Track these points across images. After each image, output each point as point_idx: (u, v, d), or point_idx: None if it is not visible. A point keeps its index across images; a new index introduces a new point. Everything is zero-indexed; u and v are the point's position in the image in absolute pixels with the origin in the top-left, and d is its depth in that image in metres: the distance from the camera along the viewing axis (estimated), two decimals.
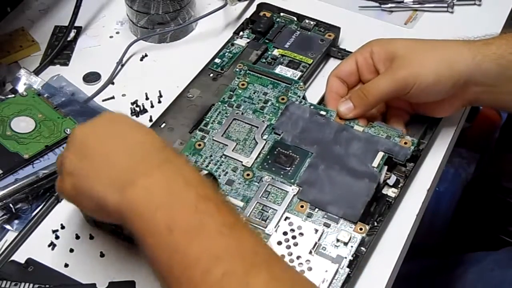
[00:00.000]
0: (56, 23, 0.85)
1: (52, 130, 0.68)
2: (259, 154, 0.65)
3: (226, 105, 0.69)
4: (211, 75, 0.74)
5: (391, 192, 0.63)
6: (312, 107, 0.67)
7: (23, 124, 0.68)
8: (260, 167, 0.64)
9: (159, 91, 0.76)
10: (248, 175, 0.63)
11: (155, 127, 0.70)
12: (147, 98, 0.76)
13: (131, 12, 0.81)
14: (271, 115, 0.68)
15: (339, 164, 0.63)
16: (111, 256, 0.62)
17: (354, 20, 0.84)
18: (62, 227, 0.64)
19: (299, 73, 0.74)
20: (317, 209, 0.60)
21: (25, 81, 0.76)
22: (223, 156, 0.65)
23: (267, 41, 0.77)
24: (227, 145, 0.66)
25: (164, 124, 0.70)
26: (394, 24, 0.83)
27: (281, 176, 0.63)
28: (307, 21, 0.79)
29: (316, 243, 0.58)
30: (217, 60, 0.76)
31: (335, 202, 0.60)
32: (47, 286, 0.58)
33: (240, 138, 0.66)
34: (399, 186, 0.64)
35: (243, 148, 0.65)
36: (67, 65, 0.80)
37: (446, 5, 0.85)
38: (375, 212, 0.61)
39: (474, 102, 0.68)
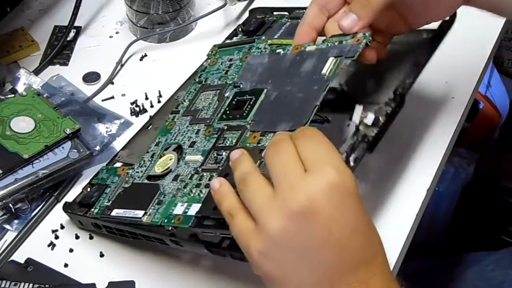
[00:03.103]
0: (56, 23, 0.85)
1: (52, 130, 0.68)
2: (220, 110, 0.62)
3: (196, 84, 0.68)
4: None
5: (369, 131, 0.57)
6: (270, 51, 0.64)
7: (22, 124, 0.68)
8: (219, 120, 0.61)
9: (159, 91, 0.76)
10: (209, 132, 0.61)
11: (141, 130, 0.70)
12: (146, 98, 0.76)
13: (131, 12, 0.81)
14: (234, 74, 0.66)
15: (291, 86, 0.58)
16: (111, 256, 0.62)
17: None
18: (62, 227, 0.64)
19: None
20: (267, 133, 0.55)
21: (25, 81, 0.76)
22: (189, 125, 0.64)
23: (257, 36, 0.77)
24: (192, 115, 0.64)
25: (150, 126, 0.70)
26: None
27: (237, 119, 0.60)
28: (297, 11, 0.79)
29: (261, 161, 0.51)
30: (205, 63, 0.75)
31: (285, 119, 0.55)
32: (46, 286, 0.58)
33: (205, 105, 0.65)
34: (380, 124, 0.58)
35: (207, 112, 0.63)
36: (66, 65, 0.80)
37: None
38: (351, 152, 0.55)
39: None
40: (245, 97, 0.61)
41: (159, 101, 0.75)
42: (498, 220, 1.19)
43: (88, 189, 0.64)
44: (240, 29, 0.78)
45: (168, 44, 0.83)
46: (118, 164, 0.67)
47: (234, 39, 0.77)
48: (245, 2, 0.86)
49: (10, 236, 0.64)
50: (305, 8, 0.75)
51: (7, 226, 0.64)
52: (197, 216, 0.52)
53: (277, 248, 0.44)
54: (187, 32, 0.84)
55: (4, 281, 0.58)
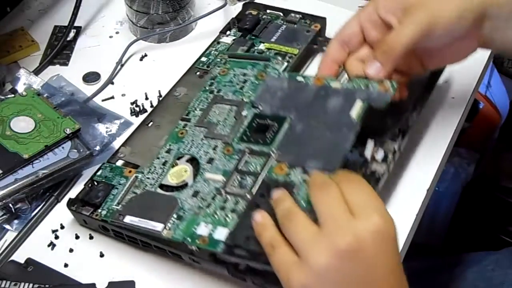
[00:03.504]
0: (56, 23, 0.85)
1: (52, 130, 0.68)
2: (238, 129, 0.63)
3: (207, 93, 0.68)
4: (198, 73, 0.74)
5: (379, 167, 0.60)
6: (289, 76, 0.65)
7: (22, 124, 0.68)
8: (239, 140, 0.62)
9: (159, 91, 0.76)
10: (228, 150, 0.62)
11: (142, 126, 0.70)
12: (146, 98, 0.76)
13: (131, 12, 0.81)
14: (250, 92, 0.66)
15: (317, 121, 0.60)
16: (111, 256, 0.62)
17: None
18: (62, 227, 0.64)
19: (286, 64, 0.73)
20: (296, 168, 0.57)
21: (25, 81, 0.76)
22: (204, 138, 0.64)
23: (253, 37, 0.77)
24: (207, 128, 0.65)
25: (151, 123, 0.70)
26: None
27: (260, 144, 0.61)
28: (292, 14, 0.79)
29: (294, 198, 0.54)
30: (203, 59, 0.76)
31: (313, 156, 0.57)
32: (46, 286, 0.58)
33: (220, 119, 0.65)
34: (388, 161, 0.61)
35: (223, 128, 0.64)
36: (66, 65, 0.80)
37: None
38: None
39: (486, 43, 0.63)
40: (266, 122, 0.62)
41: (159, 101, 0.75)
42: (498, 220, 1.19)
43: (90, 185, 0.64)
44: (234, 24, 0.79)
45: (168, 44, 0.83)
46: (120, 162, 0.66)
47: (229, 35, 0.78)
48: (243, 3, 0.86)
49: (10, 236, 0.64)
50: (300, 13, 0.77)
51: (7, 226, 0.64)
52: (228, 243, 0.54)
53: (320, 282, 0.47)
54: (187, 32, 0.84)
55: (4, 281, 0.58)
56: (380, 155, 0.61)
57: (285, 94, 0.64)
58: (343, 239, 0.47)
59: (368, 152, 0.60)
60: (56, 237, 0.64)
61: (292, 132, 0.60)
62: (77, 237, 0.64)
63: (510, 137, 1.27)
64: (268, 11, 0.80)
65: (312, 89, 0.62)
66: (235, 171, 0.60)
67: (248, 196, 0.57)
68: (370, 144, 0.60)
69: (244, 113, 0.64)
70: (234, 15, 0.80)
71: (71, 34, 0.83)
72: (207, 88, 0.69)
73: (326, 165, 0.56)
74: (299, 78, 0.64)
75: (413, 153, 0.68)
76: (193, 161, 0.63)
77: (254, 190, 0.57)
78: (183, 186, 0.61)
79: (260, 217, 0.52)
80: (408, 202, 0.65)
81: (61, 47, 0.81)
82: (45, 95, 0.73)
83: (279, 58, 0.69)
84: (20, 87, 0.75)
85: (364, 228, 0.48)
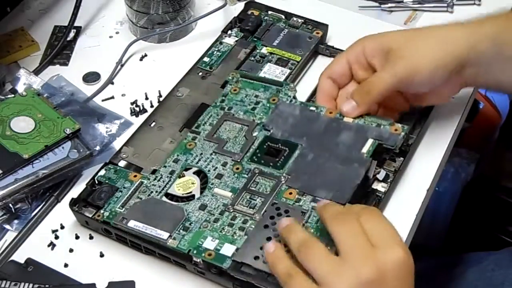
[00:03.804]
0: (56, 23, 0.85)
1: (52, 130, 0.68)
2: (248, 149, 0.64)
3: (218, 109, 0.69)
4: (200, 73, 0.75)
5: (380, 187, 0.63)
6: (302, 104, 0.67)
7: (22, 124, 0.68)
8: (249, 160, 0.63)
9: (159, 91, 0.76)
10: (237, 168, 0.63)
11: (144, 126, 0.70)
12: (146, 98, 0.76)
13: (131, 12, 0.81)
14: (261, 114, 0.68)
15: (328, 153, 0.62)
16: (111, 256, 0.62)
17: (354, 20, 0.84)
18: (62, 227, 0.64)
19: (288, 71, 0.74)
20: (305, 195, 0.60)
21: (25, 81, 0.76)
22: (213, 153, 0.65)
23: (255, 39, 0.78)
24: (217, 143, 0.65)
25: (154, 123, 0.70)
26: (393, 24, 0.83)
27: (270, 167, 0.63)
28: (294, 18, 0.79)
29: (303, 225, 0.57)
30: (205, 59, 0.76)
31: (324, 187, 0.60)
32: (46, 286, 0.58)
33: (230, 136, 0.66)
34: (389, 181, 0.64)
35: (233, 145, 0.65)
36: (66, 65, 0.80)
37: (445, 5, 0.85)
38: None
39: (469, 84, 0.67)
40: (277, 146, 0.64)
41: (159, 101, 0.75)
42: (498, 220, 1.18)
43: (92, 186, 0.64)
44: (236, 23, 0.79)
45: (168, 44, 0.83)
46: (123, 163, 0.66)
47: (230, 35, 0.78)
48: (245, 3, 0.85)
49: (10, 236, 0.64)
50: (303, 18, 0.77)
51: (7, 226, 0.64)
52: (236, 260, 0.56)
53: None
54: (187, 32, 0.84)
55: (4, 281, 0.58)
56: (382, 174, 0.63)
57: (297, 121, 0.66)
58: (366, 270, 0.48)
59: (370, 173, 0.62)
60: (56, 237, 0.64)
61: (304, 159, 0.62)
62: (77, 237, 0.64)
63: (510, 137, 1.27)
64: (269, 12, 0.80)
65: (324, 120, 0.65)
66: (244, 190, 0.61)
67: (257, 216, 0.59)
68: (373, 164, 0.62)
69: (255, 134, 0.66)
70: (234, 15, 0.80)
71: (71, 34, 0.83)
72: (217, 103, 0.70)
73: (336, 197, 0.59)
74: (312, 108, 0.66)
75: (413, 153, 0.68)
76: (200, 174, 0.63)
77: (263, 211, 0.59)
78: (189, 198, 0.62)
79: (273, 247, 0.53)
80: (408, 202, 0.65)
81: (61, 47, 0.81)
82: (45, 95, 0.73)
83: (292, 85, 0.70)
84: (20, 87, 0.75)
85: (387, 259, 0.49)
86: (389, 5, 0.85)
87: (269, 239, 0.56)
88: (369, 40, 0.66)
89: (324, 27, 0.78)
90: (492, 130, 1.32)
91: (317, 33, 0.78)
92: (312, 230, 0.57)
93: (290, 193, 0.60)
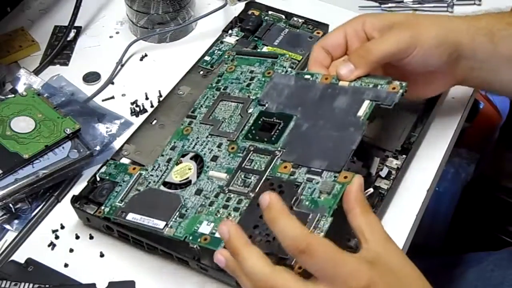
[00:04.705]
0: (56, 23, 0.85)
1: (52, 130, 0.68)
2: (244, 126, 0.63)
3: (214, 90, 0.68)
4: (201, 72, 0.75)
5: (383, 184, 0.63)
6: (297, 74, 0.65)
7: (22, 124, 0.68)
8: (244, 138, 0.62)
9: (159, 91, 0.76)
10: (232, 148, 0.62)
11: (146, 124, 0.70)
12: (147, 98, 0.76)
13: (131, 12, 0.81)
14: (257, 89, 0.66)
15: (324, 120, 0.60)
16: (111, 256, 0.62)
17: None
18: (62, 227, 0.64)
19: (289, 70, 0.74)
20: (300, 167, 0.58)
21: (25, 81, 0.76)
22: (209, 136, 0.64)
23: (256, 38, 0.78)
24: (212, 125, 0.65)
25: (155, 121, 0.70)
26: None
27: (265, 142, 0.61)
28: (295, 18, 0.79)
29: (297, 198, 0.55)
30: (206, 58, 0.76)
31: (319, 157, 0.57)
32: (47, 286, 0.58)
33: (226, 116, 0.65)
34: (391, 178, 0.63)
35: (228, 125, 0.64)
36: (67, 65, 0.80)
37: (446, 4, 0.85)
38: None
39: (463, 81, 0.67)
40: (272, 120, 0.62)
41: (159, 101, 0.75)
42: (498, 220, 1.18)
43: (94, 182, 0.64)
44: (236, 23, 0.79)
45: (168, 44, 0.83)
46: (125, 160, 0.66)
47: (231, 34, 0.78)
48: (245, 2, 0.85)
49: (10, 236, 0.64)
50: (303, 17, 0.77)
51: (7, 226, 0.64)
52: None
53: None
54: (187, 32, 0.84)
55: (4, 281, 0.58)
56: (384, 171, 0.63)
57: (292, 91, 0.64)
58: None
59: (373, 170, 0.61)
60: (56, 237, 0.64)
61: (298, 131, 0.60)
62: (77, 237, 0.64)
63: (510, 137, 1.27)
64: (270, 12, 0.80)
65: (319, 87, 0.63)
66: (239, 169, 0.60)
67: (251, 195, 0.57)
68: (375, 162, 0.62)
69: (250, 110, 0.64)
70: (234, 15, 0.80)
71: (71, 34, 0.83)
72: (213, 85, 0.69)
73: (331, 166, 0.56)
74: (307, 76, 0.64)
75: (413, 153, 0.68)
76: (197, 159, 0.63)
77: (257, 188, 0.57)
78: (186, 184, 0.61)
79: (224, 260, 0.51)
80: (408, 202, 0.65)
81: (61, 47, 0.81)
82: (45, 95, 0.73)
83: (287, 55, 0.69)
84: (20, 87, 0.75)
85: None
86: (389, 5, 0.85)
87: (261, 217, 0.52)
88: (370, 16, 0.65)
89: (324, 27, 0.78)
90: (492, 130, 1.32)
91: (318, 33, 0.78)
92: (307, 203, 0.55)
93: (285, 167, 0.58)
